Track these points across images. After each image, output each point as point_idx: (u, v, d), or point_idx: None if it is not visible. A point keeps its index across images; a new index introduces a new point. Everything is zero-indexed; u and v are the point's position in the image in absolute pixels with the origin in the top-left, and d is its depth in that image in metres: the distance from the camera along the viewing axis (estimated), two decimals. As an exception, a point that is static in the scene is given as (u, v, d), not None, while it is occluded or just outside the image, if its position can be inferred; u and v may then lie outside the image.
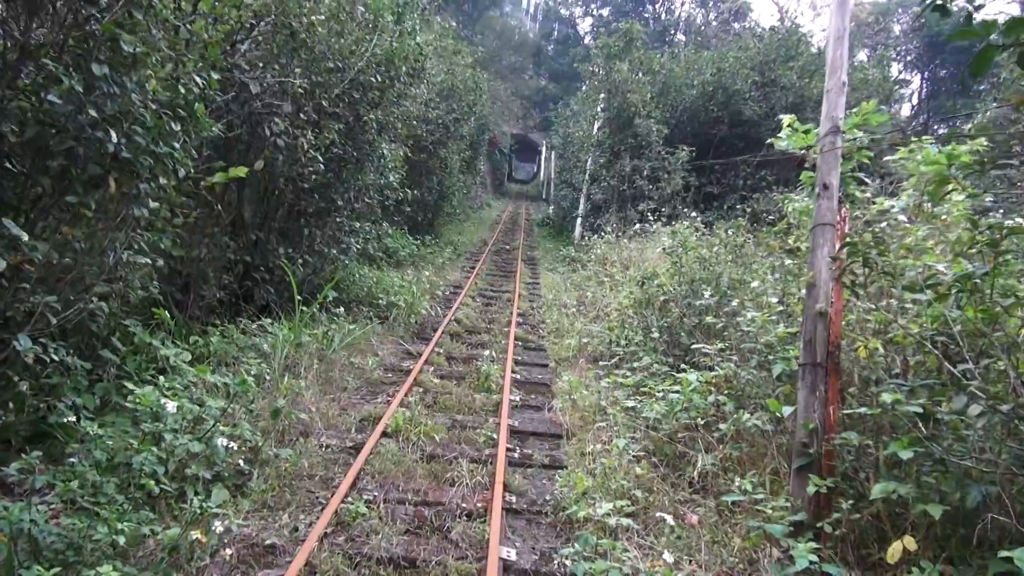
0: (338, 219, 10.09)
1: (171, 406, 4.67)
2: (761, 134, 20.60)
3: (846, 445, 4.28)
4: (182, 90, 5.45)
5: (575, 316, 11.45)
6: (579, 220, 23.08)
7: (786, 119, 8.32)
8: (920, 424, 3.86)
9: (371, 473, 5.26)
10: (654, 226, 14.99)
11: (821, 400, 4.44)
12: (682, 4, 59.95)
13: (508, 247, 23.19)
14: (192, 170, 6.62)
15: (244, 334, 7.78)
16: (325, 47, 9.11)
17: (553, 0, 66.07)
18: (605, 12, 58.51)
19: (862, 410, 4.05)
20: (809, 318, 4.61)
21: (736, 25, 53.29)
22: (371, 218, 11.73)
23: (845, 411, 4.40)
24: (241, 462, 4.93)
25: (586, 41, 57.48)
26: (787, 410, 4.57)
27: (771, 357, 5.33)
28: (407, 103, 12.80)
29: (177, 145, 5.41)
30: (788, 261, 6.05)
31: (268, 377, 6.66)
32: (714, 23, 54.36)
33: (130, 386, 5.00)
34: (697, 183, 19.52)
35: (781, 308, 5.62)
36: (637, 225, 14.96)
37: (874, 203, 5.69)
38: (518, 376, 8.48)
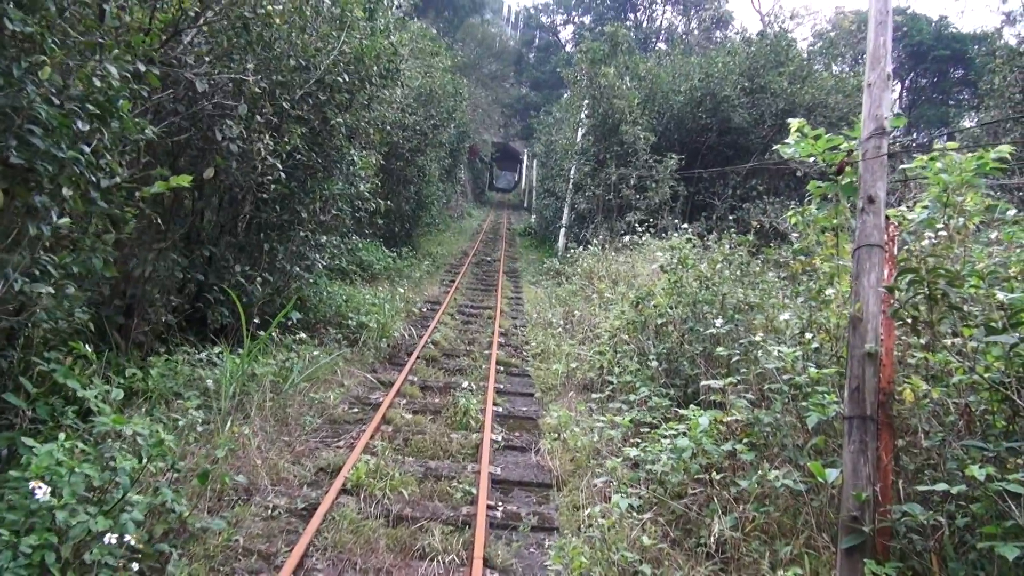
0: (302, 233, 9.16)
1: (69, 476, 3.73)
2: (750, 142, 19.97)
3: (909, 521, 3.45)
4: (98, 83, 4.53)
5: (561, 336, 10.59)
6: (562, 230, 22.27)
7: (794, 123, 7.52)
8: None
9: (323, 547, 4.35)
10: (643, 238, 14.19)
11: (873, 462, 3.61)
12: (663, 12, 59.73)
13: (489, 258, 22.32)
14: (120, 178, 5.72)
15: (191, 365, 6.83)
16: (286, 43, 8.22)
17: (534, 8, 65.54)
18: (587, 19, 58.04)
19: (939, 487, 3.20)
20: (855, 360, 3.78)
21: (718, 33, 53.10)
22: (340, 231, 10.80)
23: (906, 481, 3.57)
24: (160, 539, 4.00)
25: (568, 49, 56.92)
26: (831, 473, 3.72)
27: (802, 402, 4.49)
28: (380, 107, 11.91)
29: (88, 149, 4.49)
30: (815, 285, 5.24)
31: (209, 421, 5.72)
32: (696, 31, 54.09)
33: (30, 442, 4.07)
34: (686, 192, 18.77)
35: (815, 345, 4.77)
36: (627, 237, 14.13)
37: (907, 217, 4.88)
38: (500, 409, 7.60)
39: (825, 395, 4.32)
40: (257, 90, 7.56)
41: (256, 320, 8.36)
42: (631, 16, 56.68)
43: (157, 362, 6.62)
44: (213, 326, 8.31)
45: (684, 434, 5.15)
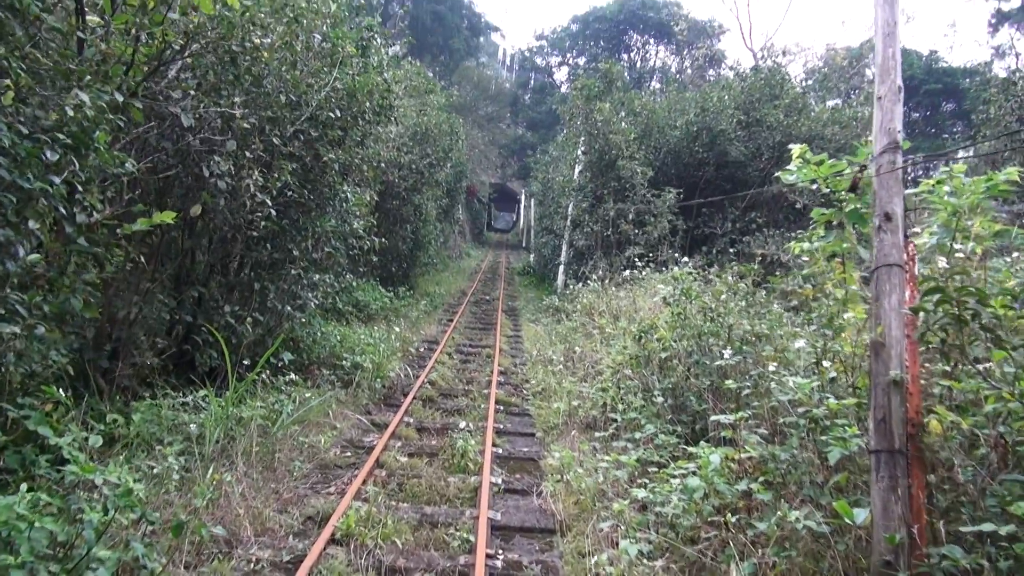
0: (294, 271, 8.92)
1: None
2: (748, 175, 19.88)
3: (948, 566, 3.13)
4: (71, 112, 4.32)
5: (562, 374, 10.28)
6: (561, 267, 22.06)
7: (796, 149, 7.33)
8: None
9: (308, 604, 4.01)
10: (643, 272, 13.96)
11: (904, 500, 3.31)
12: (657, 52, 60.52)
13: (488, 297, 22.08)
14: (101, 215, 5.52)
15: (175, 409, 6.53)
16: (276, 78, 8.08)
17: (529, 50, 66.40)
18: (581, 60, 58.78)
19: (986, 527, 2.90)
20: (879, 388, 3.50)
21: (711, 72, 53.70)
22: (334, 269, 10.56)
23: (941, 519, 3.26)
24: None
25: (563, 89, 57.52)
26: (859, 514, 3.41)
27: (821, 436, 4.19)
28: (375, 144, 11.79)
29: (58, 180, 4.26)
30: (827, 311, 4.97)
31: (190, 468, 5.39)
32: (689, 70, 54.71)
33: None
34: (685, 226, 18.60)
35: (832, 375, 4.48)
36: (627, 272, 13.90)
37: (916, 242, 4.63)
38: (500, 450, 7.27)
39: (846, 428, 4.02)
40: (246, 125, 7.39)
41: (246, 361, 8.09)
42: (625, 56, 57.41)
43: (140, 407, 6.33)
44: (201, 369, 8.02)
45: (694, 473, 4.84)
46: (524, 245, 46.32)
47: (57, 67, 4.37)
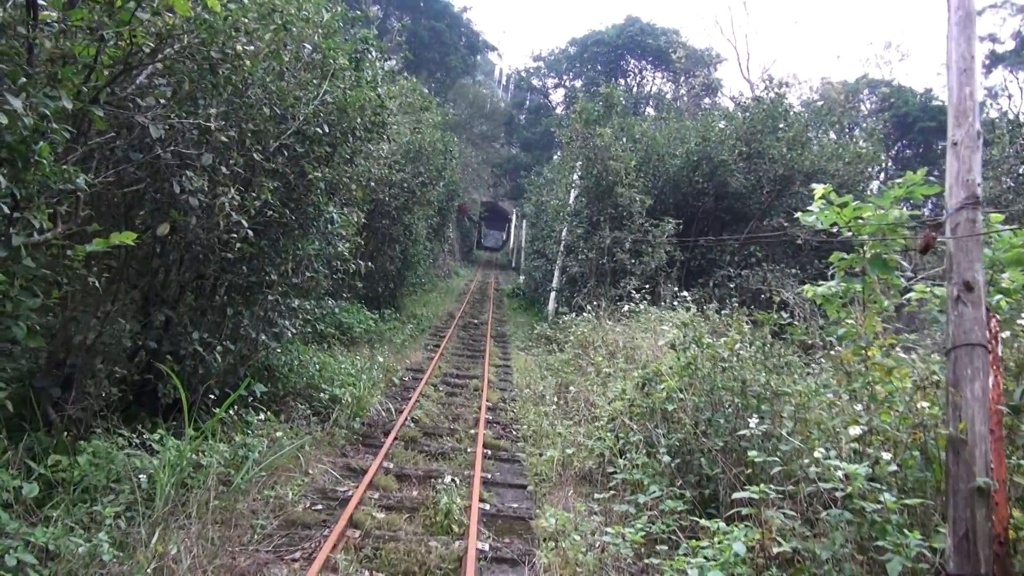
0: (271, 296, 8.24)
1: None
2: (748, 207, 19.42)
3: None
4: (3, 119, 3.68)
5: (555, 415, 9.63)
6: (553, 294, 21.46)
7: (818, 189, 6.78)
8: None
9: None
10: (640, 305, 13.37)
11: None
12: (654, 79, 60.54)
13: (476, 321, 21.43)
14: (51, 234, 4.87)
15: (130, 449, 5.82)
16: (260, 89, 7.47)
17: (525, 71, 66.23)
18: (578, 83, 58.61)
19: None
20: (959, 497, 2.89)
21: (707, 100, 53.67)
22: (315, 294, 9.89)
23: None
24: None
25: (559, 111, 57.34)
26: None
27: (872, 535, 3.57)
28: (365, 162, 11.17)
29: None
30: (868, 377, 4.37)
31: (131, 531, 4.69)
32: (685, 98, 54.67)
33: None
34: (682, 258, 18.08)
35: (893, 467, 3.86)
36: (627, 306, 13.30)
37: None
38: (487, 506, 6.60)
39: (905, 531, 3.40)
40: (224, 139, 6.75)
41: (214, 394, 7.41)
42: (622, 81, 57.28)
43: (89, 447, 5.62)
44: (164, 401, 7.32)
45: (714, 560, 4.20)
46: (514, 265, 45.82)
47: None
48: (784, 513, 4.36)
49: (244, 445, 6.42)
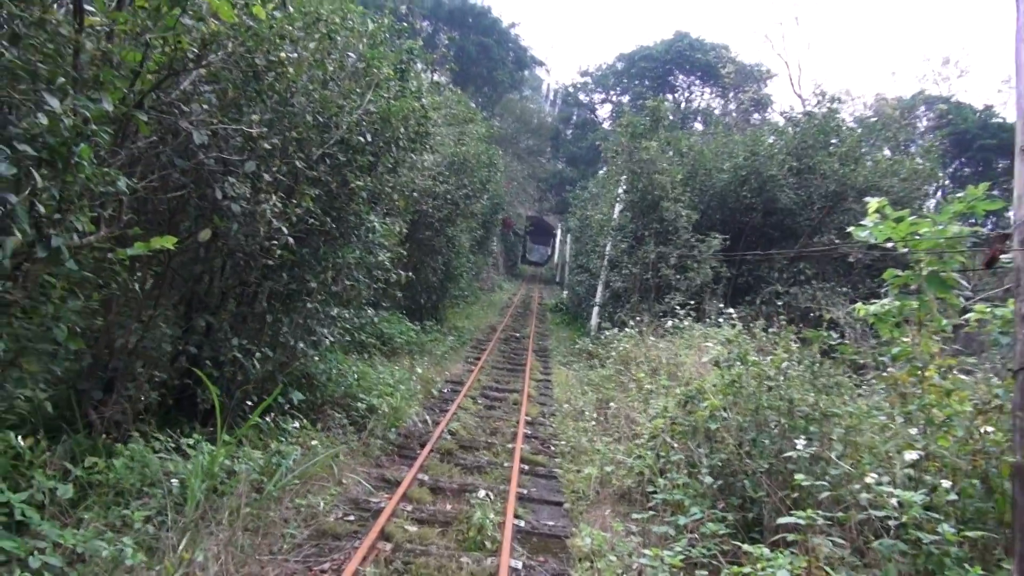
0: (310, 304, 8.24)
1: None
2: (798, 224, 18.95)
3: None
4: (44, 120, 3.70)
5: (594, 431, 9.42)
6: (596, 309, 21.21)
7: (873, 203, 6.51)
8: None
9: None
10: (684, 321, 13.07)
11: None
12: (702, 94, 59.98)
13: (518, 335, 21.30)
14: (81, 237, 4.89)
15: (165, 453, 5.84)
16: (304, 97, 7.51)
17: (572, 86, 66.26)
18: (625, 99, 58.38)
19: None
20: (1030, 530, 2.64)
21: (756, 116, 52.88)
22: (355, 303, 9.87)
23: None
24: None
25: (605, 126, 57.12)
26: None
27: (930, 568, 3.32)
28: (408, 172, 11.20)
29: (14, 199, 3.63)
30: (924, 400, 4.11)
31: (160, 536, 4.65)
32: (734, 113, 54.00)
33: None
34: (728, 274, 17.69)
35: (952, 495, 3.60)
36: (671, 321, 13.02)
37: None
38: (522, 523, 6.43)
39: (965, 564, 3.15)
40: (267, 146, 6.79)
41: (252, 400, 7.43)
42: (669, 97, 56.84)
43: (125, 450, 5.65)
44: (203, 407, 7.36)
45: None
46: (558, 280, 45.65)
47: (25, 67, 3.74)
48: (833, 540, 4.11)
49: (278, 452, 6.39)
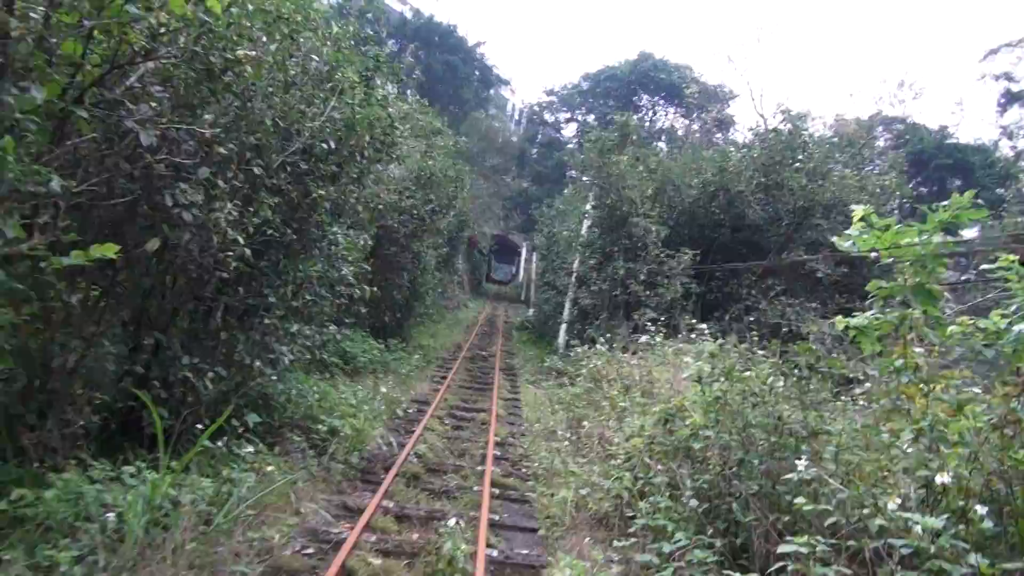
0: (268, 320, 7.76)
1: None
2: (766, 240, 18.96)
3: None
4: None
5: (568, 452, 9.05)
6: (563, 326, 20.92)
7: (857, 211, 6.29)
8: None
9: None
10: (656, 338, 12.80)
11: None
12: (666, 114, 60.62)
13: (485, 353, 20.88)
14: (8, 242, 4.41)
15: (104, 483, 5.31)
16: (264, 100, 7.09)
17: (538, 105, 66.51)
18: (591, 118, 58.68)
19: None
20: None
21: (719, 135, 53.49)
22: (317, 320, 9.39)
23: None
24: None
25: (570, 146, 57.32)
26: None
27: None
28: (374, 184, 10.80)
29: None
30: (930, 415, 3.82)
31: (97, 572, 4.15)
32: (697, 133, 54.55)
33: None
34: (698, 290, 17.54)
35: (990, 523, 3.28)
36: (643, 337, 12.75)
37: None
38: (495, 552, 6.01)
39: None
40: (223, 151, 6.35)
41: (203, 424, 6.90)
42: (634, 116, 57.30)
43: (58, 479, 5.11)
44: (150, 430, 6.80)
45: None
46: (523, 299, 45.36)
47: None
48: (837, 570, 3.79)
49: (229, 480, 5.89)
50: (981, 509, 3.11)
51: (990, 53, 54.95)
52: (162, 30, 5.38)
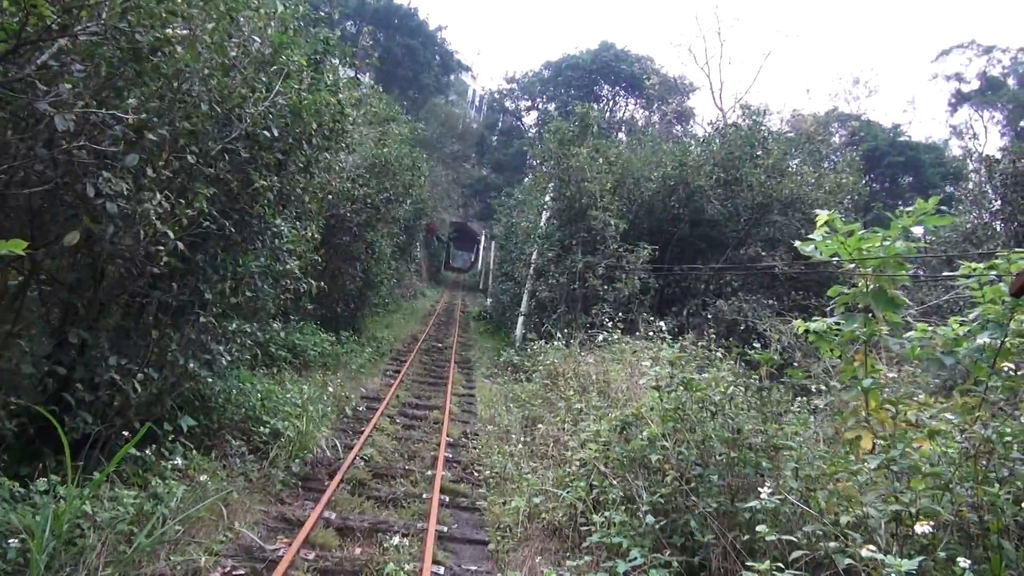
0: (203, 319, 7.28)
1: None
2: (724, 235, 18.93)
3: None
4: None
5: (522, 455, 8.76)
6: (521, 319, 20.62)
7: (822, 216, 6.11)
8: None
9: None
10: (614, 335, 12.60)
11: None
12: (627, 105, 60.63)
13: (440, 344, 20.49)
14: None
15: (8, 502, 4.85)
16: (201, 84, 6.58)
17: (499, 92, 65.95)
18: (551, 107, 58.40)
19: None
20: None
21: (679, 127, 53.72)
22: (259, 316, 8.90)
23: None
24: None
25: (531, 134, 57.00)
26: None
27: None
28: (323, 173, 10.31)
29: None
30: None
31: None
32: (657, 125, 54.69)
33: None
34: (656, 285, 17.41)
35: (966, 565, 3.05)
36: (601, 336, 12.52)
37: None
38: (441, 570, 5.69)
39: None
40: (153, 137, 5.87)
41: (131, 429, 6.42)
42: (595, 106, 57.18)
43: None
44: (72, 437, 6.30)
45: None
46: (481, 287, 45.01)
47: None
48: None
49: (154, 495, 5.45)
50: (964, 562, 2.88)
51: (942, 54, 56.28)
52: (79, 3, 4.90)
